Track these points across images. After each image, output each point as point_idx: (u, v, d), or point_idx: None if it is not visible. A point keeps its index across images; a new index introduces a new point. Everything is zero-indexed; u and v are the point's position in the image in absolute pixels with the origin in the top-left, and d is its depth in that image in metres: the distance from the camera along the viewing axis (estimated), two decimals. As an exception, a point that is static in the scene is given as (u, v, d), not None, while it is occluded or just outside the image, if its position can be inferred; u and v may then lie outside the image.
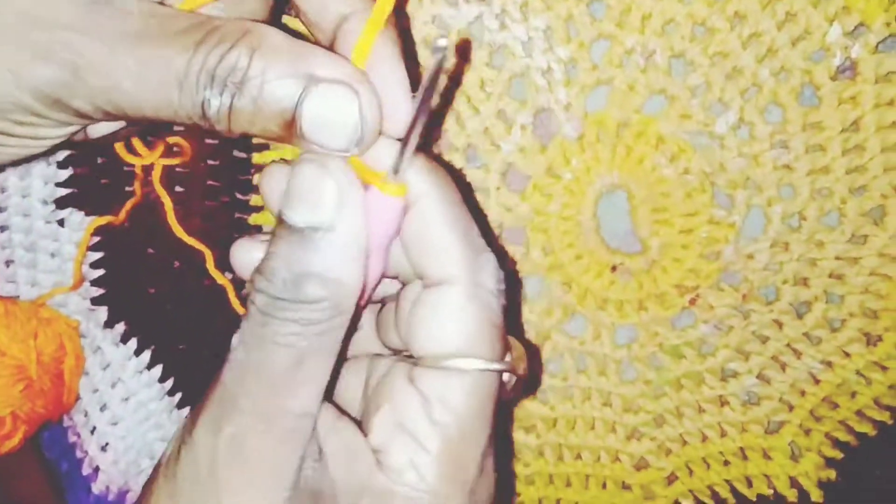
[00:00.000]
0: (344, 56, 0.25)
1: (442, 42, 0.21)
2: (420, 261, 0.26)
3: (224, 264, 0.42)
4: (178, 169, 0.41)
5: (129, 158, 0.40)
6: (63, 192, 0.42)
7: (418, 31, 0.37)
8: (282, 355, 0.24)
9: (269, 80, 0.23)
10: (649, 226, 0.39)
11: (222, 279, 0.41)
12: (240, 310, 0.42)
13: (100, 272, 0.43)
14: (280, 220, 0.24)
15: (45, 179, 0.42)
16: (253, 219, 0.41)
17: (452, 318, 0.25)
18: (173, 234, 0.42)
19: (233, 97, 0.24)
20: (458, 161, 0.39)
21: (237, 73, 0.23)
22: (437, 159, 0.27)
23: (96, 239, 0.43)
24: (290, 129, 0.24)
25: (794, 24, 0.36)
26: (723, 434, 0.42)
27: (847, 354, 0.40)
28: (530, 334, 0.41)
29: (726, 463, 0.42)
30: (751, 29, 0.36)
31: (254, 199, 0.40)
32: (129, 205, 0.40)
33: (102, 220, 0.41)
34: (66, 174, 0.41)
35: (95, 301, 0.44)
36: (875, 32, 0.35)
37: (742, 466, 0.42)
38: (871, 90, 0.36)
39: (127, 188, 0.41)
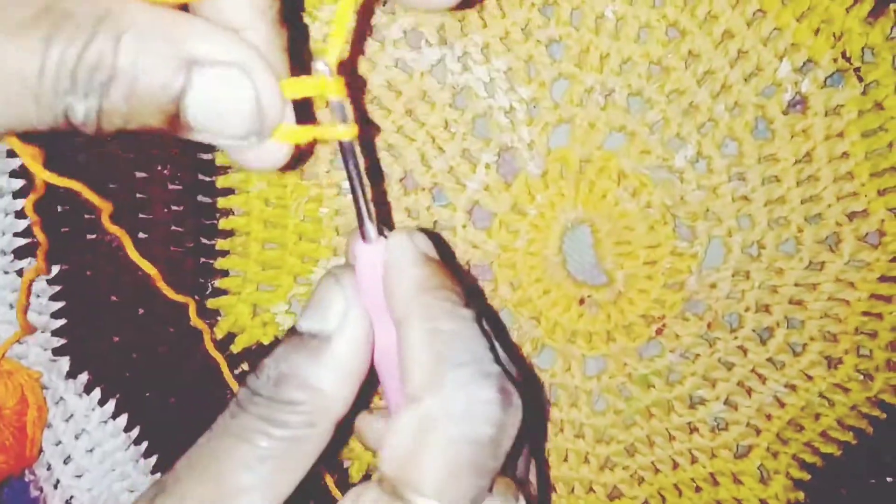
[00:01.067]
0: (229, 27, 0.22)
1: (321, 66, 0.21)
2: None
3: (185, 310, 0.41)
4: (140, 215, 0.40)
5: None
6: (21, 241, 0.41)
7: (382, 75, 0.37)
8: (240, 450, 0.22)
9: (142, 72, 0.19)
10: (614, 258, 0.40)
11: (201, 324, 0.40)
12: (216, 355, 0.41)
13: (61, 322, 0.42)
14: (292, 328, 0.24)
15: (3, 230, 0.41)
16: (219, 263, 0.40)
17: (408, 446, 0.22)
18: (137, 280, 0.41)
19: (101, 99, 0.20)
20: (423, 200, 0.39)
21: (103, 71, 0.19)
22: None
23: (57, 288, 0.42)
24: (174, 123, 0.21)
25: (745, 61, 0.37)
26: (693, 460, 0.42)
27: (810, 378, 0.41)
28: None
29: (698, 489, 0.43)
30: (705, 67, 0.37)
31: (219, 244, 0.40)
32: (41, 253, 0.38)
33: (32, 274, 0.40)
34: (24, 224, 0.41)
35: (57, 351, 0.43)
36: (823, 68, 0.37)
37: (713, 492, 0.42)
38: (822, 123, 0.37)
39: (89, 236, 0.41)
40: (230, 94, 0.20)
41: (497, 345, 0.25)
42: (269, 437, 0.22)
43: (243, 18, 0.22)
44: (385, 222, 0.38)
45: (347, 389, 0.24)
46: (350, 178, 0.23)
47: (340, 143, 0.22)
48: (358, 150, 0.23)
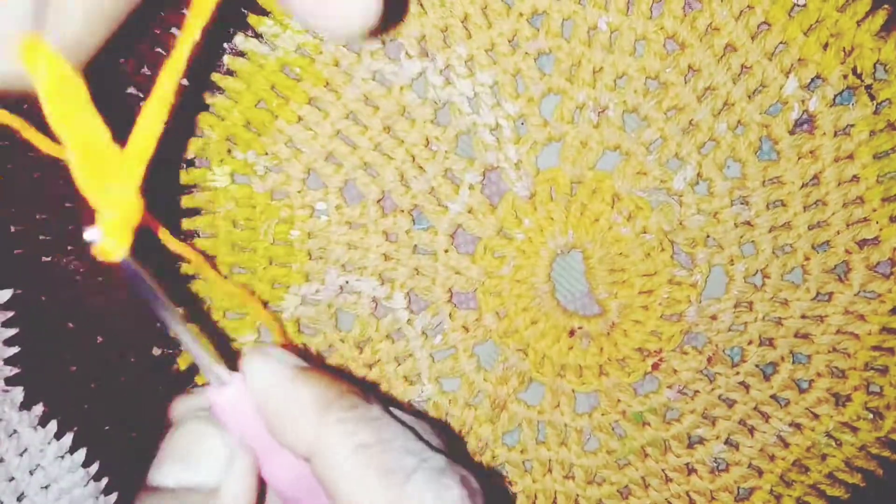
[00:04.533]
0: None
1: (91, 234, 0.17)
2: None
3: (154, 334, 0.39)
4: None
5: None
6: (-29, 264, 0.38)
7: (359, 88, 0.35)
8: None
9: None
10: (607, 287, 0.37)
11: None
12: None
13: (14, 350, 0.39)
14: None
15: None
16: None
17: None
18: (95, 305, 0.38)
19: None
20: (403, 223, 0.36)
21: None
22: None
23: (9, 314, 0.39)
24: None
25: (749, 76, 0.34)
26: (691, 504, 0.39)
27: (816, 416, 0.38)
28: (485, 404, 0.38)
29: (696, 535, 0.40)
30: (706, 82, 0.34)
31: (184, 268, 0.37)
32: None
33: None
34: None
35: (10, 381, 0.40)
36: (832, 85, 0.34)
37: (713, 537, 0.40)
38: (830, 144, 0.35)
39: (44, 258, 0.38)
40: None
41: (414, 425, 0.23)
42: None
43: None
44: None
45: None
46: (172, 331, 0.20)
47: (146, 302, 0.19)
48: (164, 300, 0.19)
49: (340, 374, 0.23)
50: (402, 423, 0.22)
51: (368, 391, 0.23)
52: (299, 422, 0.21)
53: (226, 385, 0.21)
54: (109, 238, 0.17)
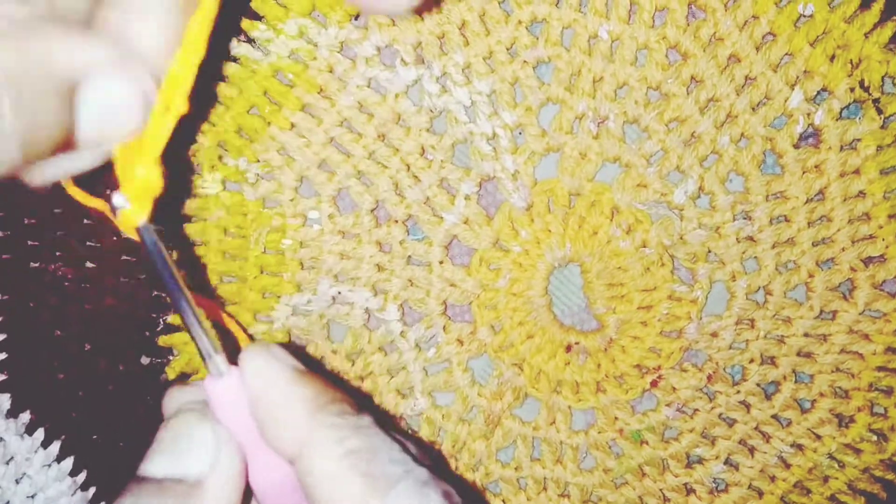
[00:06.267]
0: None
1: (118, 200, 0.19)
2: None
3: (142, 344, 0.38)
4: (88, 243, 0.37)
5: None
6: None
7: (353, 95, 0.34)
8: None
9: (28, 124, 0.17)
10: (605, 302, 0.36)
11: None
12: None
13: (1, 356, 0.39)
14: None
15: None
16: (171, 319, 0.37)
17: None
18: (83, 312, 0.38)
19: None
20: (397, 233, 0.35)
21: None
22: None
23: (-4, 320, 0.38)
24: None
25: (753, 88, 0.33)
26: (689, 524, 0.38)
27: (818, 437, 0.37)
28: (479, 420, 0.37)
29: (694, 557, 0.39)
30: (708, 94, 0.33)
31: (173, 276, 0.37)
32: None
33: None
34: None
35: (-4, 388, 0.39)
36: (838, 98, 0.33)
37: (711, 560, 0.39)
38: (836, 158, 0.34)
39: (32, 264, 0.37)
40: (120, 99, 0.19)
41: (402, 441, 0.23)
42: None
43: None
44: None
45: None
46: (179, 310, 0.21)
47: (159, 274, 0.20)
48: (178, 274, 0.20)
49: (335, 383, 0.23)
50: (391, 436, 0.22)
51: (360, 403, 0.23)
52: (290, 421, 0.21)
53: (223, 376, 0.21)
54: (134, 203, 0.20)
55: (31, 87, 0.17)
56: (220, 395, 0.22)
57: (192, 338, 0.21)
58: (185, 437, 0.21)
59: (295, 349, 0.37)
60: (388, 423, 0.23)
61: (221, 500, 0.21)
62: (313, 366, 0.37)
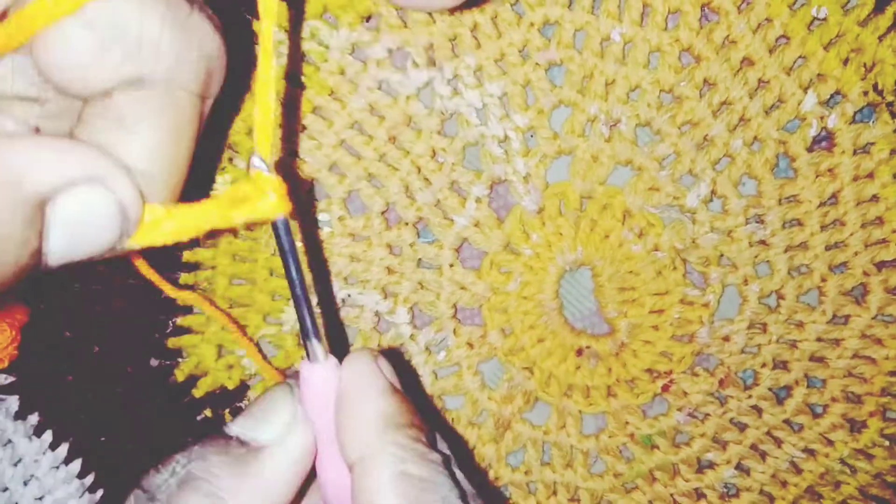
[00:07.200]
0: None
1: (256, 161, 0.19)
2: None
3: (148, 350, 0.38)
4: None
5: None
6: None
7: (364, 97, 0.34)
8: None
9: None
10: (617, 306, 0.36)
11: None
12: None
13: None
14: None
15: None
16: (181, 321, 0.37)
17: None
18: (92, 314, 0.37)
19: None
20: (407, 236, 0.35)
21: None
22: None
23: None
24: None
25: (767, 92, 0.33)
26: (700, 530, 0.38)
27: (830, 442, 0.37)
28: (488, 424, 0.37)
29: (705, 562, 0.38)
30: (721, 97, 0.33)
31: (182, 278, 0.36)
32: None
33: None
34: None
35: (5, 390, 0.39)
36: (852, 102, 0.33)
37: (721, 565, 0.38)
38: (850, 162, 0.34)
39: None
40: (93, 215, 0.18)
41: (469, 493, 0.22)
42: None
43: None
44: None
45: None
46: (292, 286, 0.21)
47: (280, 248, 0.21)
48: (299, 248, 0.20)
49: (423, 415, 0.23)
50: (458, 484, 0.22)
51: (458, 456, 0.23)
52: (363, 427, 0.22)
53: (319, 363, 0.22)
54: (277, 195, 0.20)
55: None
56: (311, 380, 0.22)
57: (300, 318, 0.22)
58: (270, 405, 0.22)
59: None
60: (473, 478, 0.23)
61: (279, 474, 0.21)
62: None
